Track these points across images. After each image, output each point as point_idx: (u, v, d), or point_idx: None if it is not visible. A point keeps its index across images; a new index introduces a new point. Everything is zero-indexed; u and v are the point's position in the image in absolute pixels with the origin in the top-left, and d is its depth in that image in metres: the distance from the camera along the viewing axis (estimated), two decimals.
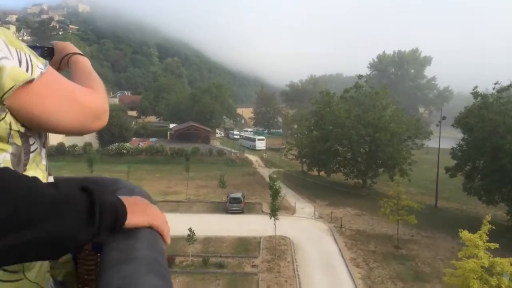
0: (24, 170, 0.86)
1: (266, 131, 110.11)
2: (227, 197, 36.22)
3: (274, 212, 24.96)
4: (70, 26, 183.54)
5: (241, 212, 35.03)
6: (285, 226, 30.76)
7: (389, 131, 39.46)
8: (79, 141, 60.56)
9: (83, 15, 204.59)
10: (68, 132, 0.91)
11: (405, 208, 28.02)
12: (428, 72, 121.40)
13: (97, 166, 45.92)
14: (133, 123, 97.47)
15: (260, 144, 74.98)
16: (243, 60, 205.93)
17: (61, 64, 1.18)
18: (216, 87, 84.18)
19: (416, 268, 25.30)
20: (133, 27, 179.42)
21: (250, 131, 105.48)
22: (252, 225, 31.19)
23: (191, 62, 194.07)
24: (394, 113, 43.24)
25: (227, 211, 35.05)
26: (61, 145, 57.38)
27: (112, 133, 59.06)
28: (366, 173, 42.82)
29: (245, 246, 27.96)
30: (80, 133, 0.95)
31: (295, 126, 57.25)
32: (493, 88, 33.81)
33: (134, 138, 71.60)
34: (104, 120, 0.98)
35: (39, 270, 0.86)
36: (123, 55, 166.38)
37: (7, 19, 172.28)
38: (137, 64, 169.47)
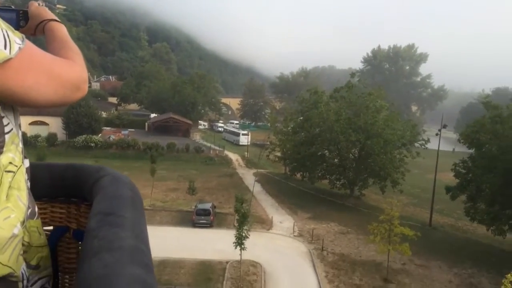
0: (1, 152, 0.85)
1: (252, 124, 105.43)
2: (195, 207, 31.64)
3: (240, 241, 20.49)
4: (57, 5, 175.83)
5: (209, 226, 30.53)
6: (258, 246, 26.41)
7: (382, 138, 35.07)
8: (43, 131, 55.35)
9: None
10: (47, 106, 0.90)
11: (398, 235, 23.70)
12: (423, 69, 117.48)
13: (59, 160, 40.94)
14: (112, 110, 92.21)
15: (244, 139, 70.28)
16: (236, 49, 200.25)
17: (37, 30, 1.14)
18: (199, 77, 78.97)
19: None
20: (123, 9, 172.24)
21: (236, 124, 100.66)
22: (220, 244, 26.66)
23: (182, 48, 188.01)
24: (389, 117, 38.79)
25: (194, 224, 30.51)
26: (23, 135, 52.04)
27: (80, 123, 53.89)
28: (355, 182, 38.50)
29: (207, 275, 23.52)
30: (59, 105, 0.93)
31: (279, 125, 52.58)
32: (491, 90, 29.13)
33: (107, 128, 66.41)
34: (83, 91, 0.95)
35: (11, 253, 0.85)
36: (110, 38, 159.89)
37: None
38: (125, 48, 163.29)
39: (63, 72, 0.90)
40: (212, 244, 27.05)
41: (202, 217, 30.46)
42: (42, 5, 1.22)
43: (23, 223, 0.88)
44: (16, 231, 0.84)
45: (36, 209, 0.98)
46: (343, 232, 31.74)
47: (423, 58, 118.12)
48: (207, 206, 31.65)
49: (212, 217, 30.63)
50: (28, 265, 0.93)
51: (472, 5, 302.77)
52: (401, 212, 38.42)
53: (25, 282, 0.91)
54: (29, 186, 0.95)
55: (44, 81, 0.84)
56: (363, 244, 28.80)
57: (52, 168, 1.17)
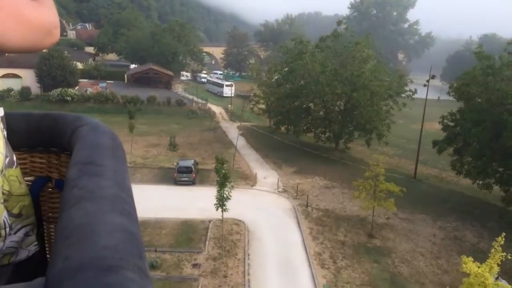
0: None
1: (237, 74, 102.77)
2: (176, 164, 30.64)
3: (221, 203, 19.70)
4: None
5: (192, 183, 29.72)
6: (242, 203, 25.83)
7: (369, 90, 33.91)
8: (15, 85, 52.54)
9: None
10: (17, 51, 0.86)
11: (383, 191, 23.28)
12: (411, 16, 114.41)
13: None
14: (89, 61, 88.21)
15: (228, 91, 68.36)
16: None
17: None
18: (179, 25, 75.04)
19: (393, 268, 21.08)
20: None
21: (220, 74, 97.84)
22: (203, 202, 25.80)
23: None
24: (376, 68, 37.39)
25: (176, 182, 29.67)
26: None
27: (54, 76, 51.11)
28: (340, 135, 37.76)
29: (189, 235, 22.98)
30: (30, 51, 0.88)
31: (264, 75, 50.67)
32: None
33: (84, 80, 63.52)
34: (55, 36, 0.90)
35: None
36: None
37: None
38: None
39: (32, 15, 0.84)
40: (195, 203, 26.36)
41: (184, 174, 29.55)
42: None
43: (1, 171, 0.87)
44: None
45: (15, 158, 0.96)
46: (327, 187, 31.39)
47: (411, 3, 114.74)
48: (189, 163, 30.66)
49: (194, 175, 29.75)
50: (10, 214, 0.94)
51: None
52: (386, 165, 38.54)
53: (7, 229, 0.93)
54: (5, 135, 0.93)
55: (11, 23, 0.78)
56: (348, 199, 28.53)
57: (28, 117, 1.12)
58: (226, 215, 21.88)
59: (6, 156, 0.89)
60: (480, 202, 29.10)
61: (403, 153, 44.06)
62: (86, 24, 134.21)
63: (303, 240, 22.79)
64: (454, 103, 31.65)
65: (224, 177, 19.65)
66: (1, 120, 0.92)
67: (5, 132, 0.93)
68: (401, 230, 25.20)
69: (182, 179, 29.52)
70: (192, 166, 30.01)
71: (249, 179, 31.94)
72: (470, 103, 25.38)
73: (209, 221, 24.23)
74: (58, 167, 1.15)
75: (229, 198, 19.98)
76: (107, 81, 67.96)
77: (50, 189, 1.12)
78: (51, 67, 50.97)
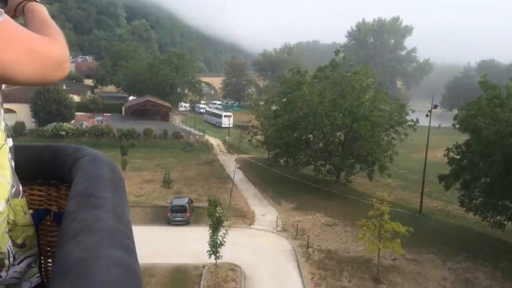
0: None
1: (236, 104, 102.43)
2: (170, 203, 29.19)
3: (215, 250, 18.21)
4: None
5: (186, 223, 28.20)
6: (238, 245, 24.30)
7: (369, 121, 32.81)
8: (10, 120, 51.69)
9: None
10: (28, 84, 0.88)
11: (389, 231, 21.73)
12: (408, 43, 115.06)
13: None
14: (88, 94, 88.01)
15: (227, 121, 67.59)
16: (218, 25, 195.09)
17: (16, 11, 1.13)
18: (177, 56, 75.07)
19: None
20: None
21: (219, 104, 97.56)
22: (197, 244, 24.14)
23: (162, 25, 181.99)
24: (376, 98, 36.44)
25: (169, 222, 28.15)
26: None
27: (49, 110, 50.35)
28: (341, 168, 36.42)
29: (181, 283, 21.32)
30: (41, 84, 0.93)
31: (262, 104, 49.85)
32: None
33: (81, 114, 62.89)
34: (65, 70, 0.94)
35: None
36: (87, 15, 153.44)
37: None
38: (103, 26, 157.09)
39: (44, 49, 0.87)
40: (188, 245, 24.80)
41: (178, 214, 28.05)
42: None
43: (7, 201, 0.88)
44: (0, 208, 0.85)
45: (21, 188, 0.96)
46: (329, 224, 29.78)
47: (408, 31, 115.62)
48: (183, 201, 29.20)
49: (188, 214, 28.24)
50: (14, 244, 0.94)
51: None
52: (389, 198, 36.96)
53: (11, 259, 0.92)
54: (13, 166, 0.94)
55: (24, 57, 0.81)
56: (351, 237, 26.87)
57: (29, 149, 1.12)
58: (222, 259, 20.40)
59: (13, 186, 0.91)
60: (490, 239, 27.41)
61: (406, 185, 42.56)
62: (87, 57, 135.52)
63: (304, 287, 21.09)
64: (455, 130, 30.46)
65: (218, 221, 18.22)
66: (10, 150, 0.93)
67: (12, 162, 0.93)
68: (409, 273, 23.45)
69: (176, 219, 28.01)
70: (187, 205, 28.54)
71: (246, 217, 30.40)
72: (477, 135, 24.12)
73: (203, 267, 22.59)
74: (58, 199, 1.11)
75: (223, 244, 18.49)
76: (105, 114, 67.34)
77: (48, 222, 1.08)
78: (47, 101, 50.30)
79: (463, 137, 29.60)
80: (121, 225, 0.74)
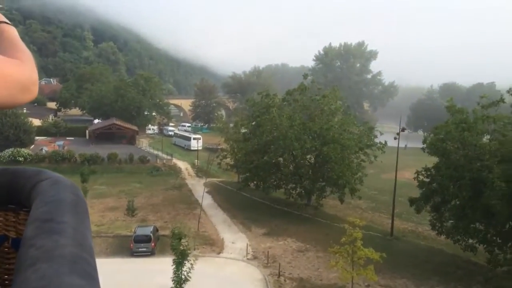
0: None
1: (205, 126, 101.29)
2: (133, 233, 27.57)
3: (179, 287, 16.92)
4: None
5: (151, 254, 26.61)
6: (206, 276, 22.93)
7: (339, 144, 32.61)
8: None
9: None
10: None
11: (362, 258, 21.07)
12: (373, 67, 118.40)
13: None
14: (50, 117, 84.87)
15: (196, 144, 66.15)
16: (188, 48, 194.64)
17: None
18: (144, 79, 73.75)
19: None
20: (64, 7, 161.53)
21: (188, 126, 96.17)
22: (162, 277, 22.55)
23: (131, 47, 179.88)
24: (345, 121, 36.47)
25: (132, 253, 26.48)
26: None
27: (6, 136, 47.71)
28: (312, 191, 35.90)
29: None
30: (8, 106, 0.91)
31: (231, 125, 49.12)
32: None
33: (41, 138, 60.14)
34: (33, 93, 0.94)
35: None
36: (52, 38, 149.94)
37: None
38: (68, 48, 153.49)
39: (12, 71, 0.87)
40: (153, 278, 23.19)
41: (142, 244, 26.47)
42: None
43: None
44: None
45: None
46: (301, 250, 28.91)
47: (373, 55, 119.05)
48: (148, 230, 27.65)
49: (153, 244, 26.69)
50: None
51: (415, 4, 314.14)
52: (360, 219, 36.55)
53: None
54: None
55: None
56: (324, 264, 26.07)
57: None
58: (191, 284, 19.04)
59: None
60: (462, 261, 27.27)
61: (376, 206, 42.50)
62: (51, 79, 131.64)
63: None
64: (421, 151, 30.67)
65: (182, 254, 16.99)
66: None
67: None
68: None
69: (140, 249, 26.40)
70: (151, 234, 27.01)
71: (215, 245, 29.12)
72: (446, 159, 24.20)
73: None
74: (16, 225, 1.05)
75: (188, 280, 17.22)
76: (67, 138, 64.75)
77: (6, 249, 1.02)
78: (4, 126, 47.75)
79: (429, 158, 29.75)
80: (82, 252, 0.71)
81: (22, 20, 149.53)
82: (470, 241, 23.62)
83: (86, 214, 0.86)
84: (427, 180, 26.46)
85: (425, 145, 27.10)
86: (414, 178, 27.44)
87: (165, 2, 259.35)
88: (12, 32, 1.08)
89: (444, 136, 23.76)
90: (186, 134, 75.21)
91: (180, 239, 17.43)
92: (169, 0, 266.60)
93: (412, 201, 27.27)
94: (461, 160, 22.79)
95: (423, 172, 26.80)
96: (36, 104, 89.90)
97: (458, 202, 23.71)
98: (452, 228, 24.34)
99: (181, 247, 17.03)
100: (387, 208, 39.07)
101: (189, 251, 17.37)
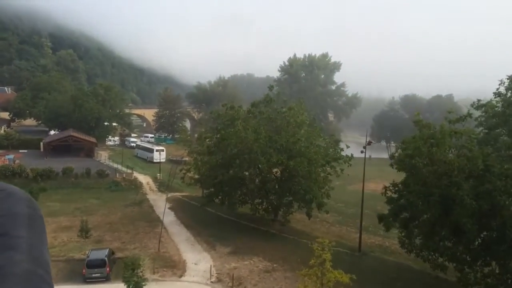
0: None
1: (169, 137, 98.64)
2: (86, 257, 25.39)
3: None
4: None
5: (106, 279, 24.52)
6: None
7: (306, 158, 31.78)
8: None
9: None
10: None
11: (331, 281, 20.05)
12: (337, 78, 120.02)
13: None
14: (3, 128, 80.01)
15: (159, 156, 63.83)
16: (152, 56, 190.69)
17: None
18: (104, 89, 70.81)
19: None
20: (21, 13, 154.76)
21: (151, 137, 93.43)
22: None
23: (92, 55, 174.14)
24: (311, 134, 35.77)
25: (85, 279, 24.31)
26: None
27: None
28: (278, 206, 34.85)
29: None
30: None
31: (195, 137, 47.46)
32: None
33: None
34: None
35: None
36: (7, 45, 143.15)
37: None
38: (25, 55, 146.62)
39: None
40: None
41: (96, 269, 24.32)
42: None
43: None
44: None
45: None
46: (268, 270, 27.61)
47: (336, 66, 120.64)
48: (102, 254, 25.51)
49: (108, 269, 24.60)
50: None
51: (376, 16, 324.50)
52: (327, 234, 35.79)
53: None
54: None
55: None
56: (291, 285, 24.94)
57: None
58: None
59: None
60: (430, 278, 26.84)
61: (343, 220, 42.00)
62: (5, 88, 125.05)
63: None
64: (385, 161, 30.44)
65: (136, 285, 15.30)
66: None
67: None
68: None
69: (93, 275, 24.25)
70: (106, 258, 24.90)
71: (176, 267, 27.31)
72: (415, 175, 23.78)
73: None
74: None
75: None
76: (20, 151, 60.87)
77: None
78: None
79: (391, 169, 29.39)
80: (38, 268, 0.67)
81: None
82: (440, 259, 23.15)
83: (42, 229, 0.83)
84: (395, 196, 25.98)
85: (392, 161, 26.64)
86: (382, 194, 26.87)
87: (129, 10, 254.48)
88: None
89: (412, 152, 23.34)
90: (149, 145, 72.66)
91: (133, 269, 15.74)
92: (132, 8, 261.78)
93: (380, 218, 26.67)
94: (430, 176, 22.39)
95: (391, 188, 26.30)
96: None
97: (427, 219, 23.24)
98: (421, 245, 23.82)
99: (135, 279, 15.33)
100: (354, 221, 38.56)
101: (143, 283, 15.66)
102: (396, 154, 26.82)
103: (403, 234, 25.36)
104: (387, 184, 27.27)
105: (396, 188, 25.92)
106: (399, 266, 28.98)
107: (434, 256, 23.38)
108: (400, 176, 28.28)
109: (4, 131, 74.45)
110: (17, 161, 49.81)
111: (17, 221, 0.79)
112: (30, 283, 0.62)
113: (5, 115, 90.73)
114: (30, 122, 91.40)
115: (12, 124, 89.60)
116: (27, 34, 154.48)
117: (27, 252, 0.70)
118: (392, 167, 26.11)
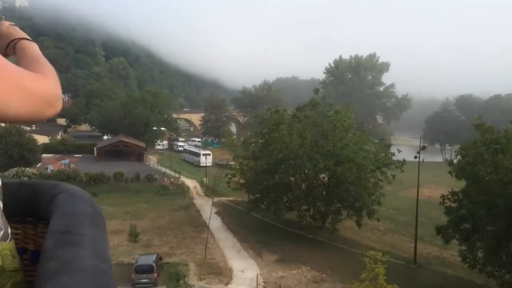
0: None
1: (216, 141, 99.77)
2: (135, 262, 25.70)
3: None
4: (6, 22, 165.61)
5: (153, 285, 24.67)
6: None
7: (355, 164, 30.49)
8: None
9: (20, 11, 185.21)
10: (19, 121, 0.89)
11: None
12: (386, 79, 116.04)
13: None
14: (59, 134, 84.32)
15: (205, 160, 64.39)
16: (199, 62, 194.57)
17: (7, 50, 1.14)
18: (151, 95, 72.76)
19: None
20: (76, 24, 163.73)
21: (198, 141, 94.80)
22: None
23: (141, 62, 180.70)
24: (360, 138, 34.36)
25: (133, 285, 24.59)
26: None
27: (10, 155, 46.60)
28: (326, 214, 33.73)
29: None
30: (32, 121, 0.91)
31: (241, 139, 47.27)
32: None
33: (49, 156, 59.10)
34: (57, 107, 0.93)
35: None
36: (64, 54, 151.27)
37: None
38: (80, 64, 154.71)
39: (35, 86, 0.87)
40: None
41: (144, 275, 24.51)
42: (14, 25, 1.19)
43: None
44: None
45: (9, 230, 0.94)
46: (316, 281, 26.65)
47: (384, 67, 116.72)
48: (150, 259, 25.72)
49: (156, 274, 24.73)
50: None
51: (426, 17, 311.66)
52: (379, 243, 34.17)
53: None
54: (1, 207, 0.93)
55: (14, 93, 0.81)
56: None
57: (4, 187, 1.07)
58: None
59: (1, 229, 0.87)
60: None
61: (395, 228, 39.93)
62: (63, 95, 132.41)
63: None
64: (438, 164, 28.44)
65: None
66: None
67: (1, 204, 0.92)
68: None
69: (142, 280, 24.45)
70: (154, 264, 25.05)
71: (223, 274, 27.03)
72: (477, 184, 21.87)
73: None
74: (34, 237, 1.07)
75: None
76: (75, 155, 63.70)
77: (25, 261, 1.00)
78: (8, 145, 46.65)
79: (446, 174, 27.25)
80: (101, 262, 0.72)
81: (35, 36, 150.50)
82: (507, 276, 21.15)
83: (103, 226, 0.88)
84: (454, 205, 24.11)
85: (451, 168, 24.76)
86: (440, 203, 25.06)
87: (175, 17, 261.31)
88: (35, 48, 1.08)
89: (474, 159, 21.47)
90: (196, 150, 73.66)
91: (178, 280, 15.52)
92: (179, 15, 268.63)
93: (439, 230, 24.87)
94: (494, 185, 20.51)
95: (449, 196, 24.44)
96: (45, 120, 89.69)
97: (491, 231, 21.30)
98: (484, 260, 21.88)
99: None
100: (408, 229, 36.59)
101: None
102: (455, 161, 24.93)
103: (463, 247, 23.42)
104: (443, 191, 25.39)
105: (456, 197, 24.06)
106: (460, 281, 26.90)
107: (500, 273, 21.38)
108: (456, 181, 26.38)
109: (61, 136, 78.38)
110: (72, 166, 52.08)
111: (81, 220, 0.84)
112: (96, 277, 0.66)
113: (62, 121, 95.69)
114: (85, 127, 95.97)
115: (68, 129, 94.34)
116: (82, 44, 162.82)
117: (90, 248, 0.74)
118: (451, 175, 24.25)
